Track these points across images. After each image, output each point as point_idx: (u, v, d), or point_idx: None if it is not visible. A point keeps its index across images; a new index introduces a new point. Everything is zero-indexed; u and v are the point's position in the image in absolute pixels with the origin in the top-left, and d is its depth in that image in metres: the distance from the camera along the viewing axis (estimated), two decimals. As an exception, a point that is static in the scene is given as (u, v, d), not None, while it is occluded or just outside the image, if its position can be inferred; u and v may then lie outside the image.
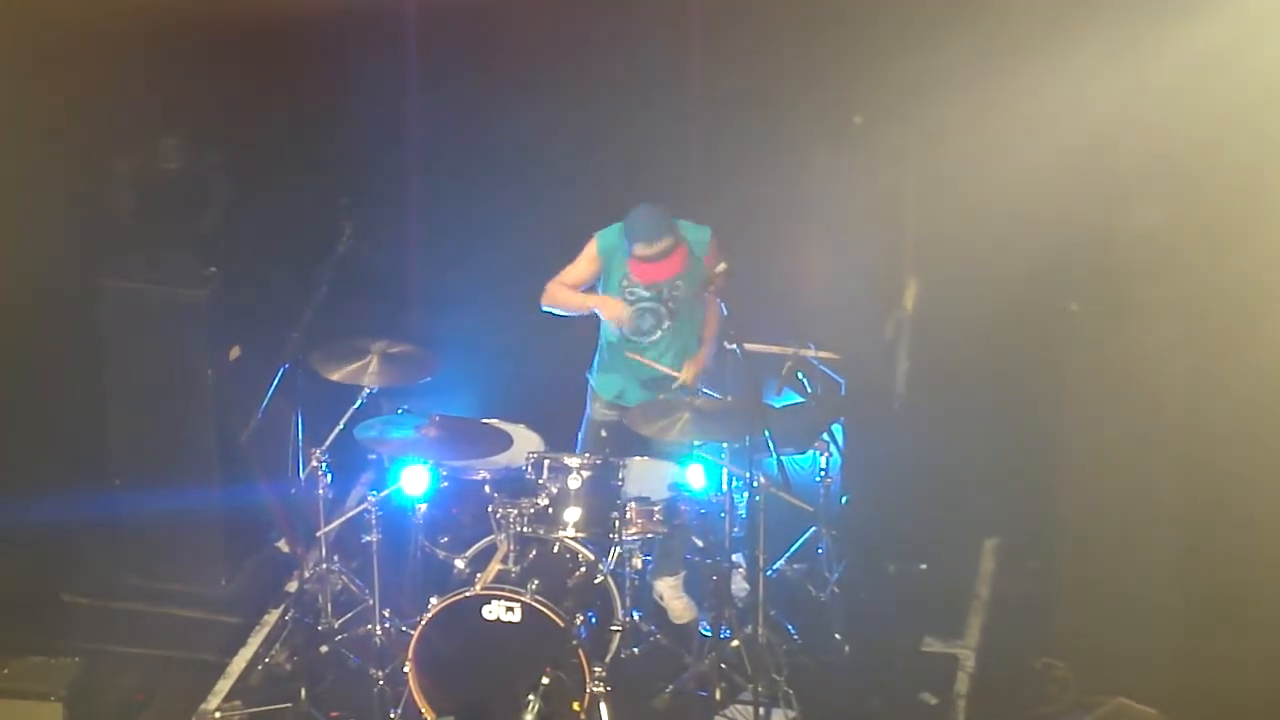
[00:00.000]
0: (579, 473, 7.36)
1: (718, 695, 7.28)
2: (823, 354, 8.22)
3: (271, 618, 8.12)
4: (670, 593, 7.96)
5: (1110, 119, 7.56)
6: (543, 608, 6.98)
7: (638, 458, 7.62)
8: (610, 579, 7.39)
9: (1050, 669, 7.68)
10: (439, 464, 7.49)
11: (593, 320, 7.82)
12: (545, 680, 6.84)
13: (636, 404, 7.69)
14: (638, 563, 7.43)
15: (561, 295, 7.77)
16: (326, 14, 8.57)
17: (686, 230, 7.65)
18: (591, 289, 7.77)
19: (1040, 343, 8.13)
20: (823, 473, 7.99)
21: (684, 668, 7.54)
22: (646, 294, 7.69)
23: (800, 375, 8.15)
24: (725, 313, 7.41)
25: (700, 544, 7.76)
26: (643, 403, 7.67)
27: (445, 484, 7.57)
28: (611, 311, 7.71)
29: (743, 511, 7.56)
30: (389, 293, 9.34)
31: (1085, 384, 7.67)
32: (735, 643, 7.39)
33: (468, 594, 7.06)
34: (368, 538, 7.47)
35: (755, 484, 7.30)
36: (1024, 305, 8.18)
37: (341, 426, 7.64)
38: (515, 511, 7.26)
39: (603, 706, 7.01)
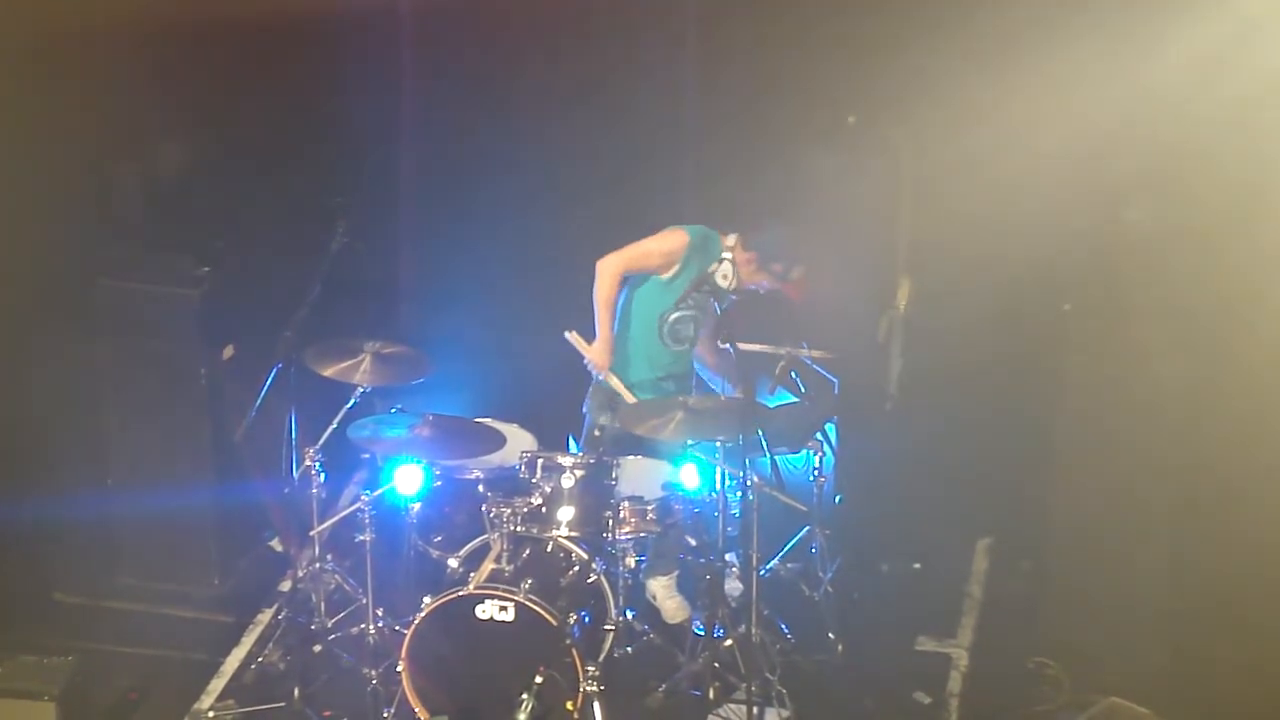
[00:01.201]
0: (572, 472, 7.34)
1: (711, 694, 7.27)
2: (816, 353, 8.22)
3: (265, 617, 8.12)
4: (663, 592, 7.96)
5: (1105, 119, 7.56)
6: (536, 607, 6.97)
7: (631, 456, 7.62)
8: (603, 578, 7.38)
9: (1043, 668, 7.68)
10: (432, 463, 7.49)
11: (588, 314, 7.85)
12: (538, 679, 6.85)
13: (630, 403, 7.70)
14: (631, 562, 7.42)
15: (607, 291, 7.68)
16: (321, 13, 8.56)
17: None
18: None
19: (1034, 343, 8.13)
20: (816, 472, 7.99)
21: (677, 667, 7.53)
22: (698, 302, 7.69)
23: (794, 374, 8.15)
24: (719, 312, 7.41)
25: (693, 543, 7.76)
26: (636, 402, 7.68)
27: (438, 483, 7.56)
28: (597, 355, 7.72)
29: (736, 511, 7.56)
30: (382, 292, 9.34)
31: (1079, 384, 7.67)
32: (728, 642, 7.38)
33: (461, 593, 7.05)
34: (361, 537, 7.46)
35: (749, 483, 7.29)
36: (1017, 305, 8.18)
37: (335, 425, 7.65)
38: (509, 511, 7.26)
39: (596, 706, 7.00)
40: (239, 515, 8.30)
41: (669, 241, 7.68)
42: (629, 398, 7.73)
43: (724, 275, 7.66)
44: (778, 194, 8.29)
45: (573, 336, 7.84)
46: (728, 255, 7.65)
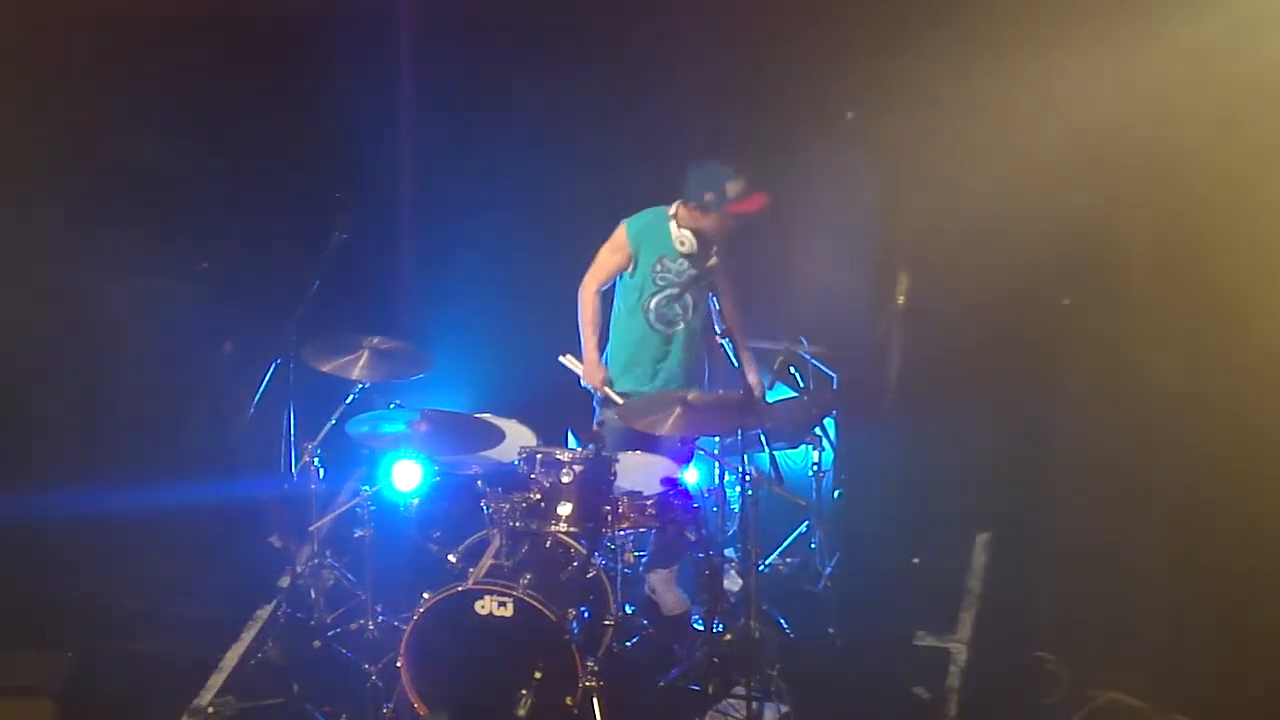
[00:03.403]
0: (571, 467, 7.34)
1: (710, 689, 7.28)
2: (815, 348, 8.23)
3: (264, 613, 8.12)
4: (663, 585, 7.96)
5: (1103, 115, 7.57)
6: (535, 602, 6.97)
7: (630, 451, 7.62)
8: (603, 573, 7.38)
9: (1042, 663, 7.68)
10: (431, 458, 7.49)
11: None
12: (537, 675, 6.84)
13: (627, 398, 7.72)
14: (630, 557, 7.42)
15: (586, 312, 7.88)
16: (322, 9, 8.57)
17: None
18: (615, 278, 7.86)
19: (1033, 337, 8.14)
20: (815, 467, 8.00)
21: (677, 662, 7.53)
22: (678, 281, 7.69)
23: (792, 370, 8.16)
24: (716, 307, 7.42)
25: (693, 538, 7.75)
26: (636, 397, 7.68)
27: (437, 479, 7.57)
28: (589, 375, 7.86)
29: (735, 506, 7.56)
30: (382, 288, 9.34)
31: (1078, 378, 7.69)
32: (728, 637, 7.39)
33: (460, 589, 7.05)
34: (360, 532, 7.48)
35: (748, 478, 7.29)
36: (1016, 300, 8.18)
37: (334, 421, 7.65)
38: (507, 506, 7.26)
39: (595, 701, 7.00)
40: (238, 511, 8.31)
41: (614, 239, 7.83)
42: (620, 403, 7.78)
43: (681, 241, 7.70)
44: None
45: (567, 359, 7.94)
46: (672, 219, 7.69)
